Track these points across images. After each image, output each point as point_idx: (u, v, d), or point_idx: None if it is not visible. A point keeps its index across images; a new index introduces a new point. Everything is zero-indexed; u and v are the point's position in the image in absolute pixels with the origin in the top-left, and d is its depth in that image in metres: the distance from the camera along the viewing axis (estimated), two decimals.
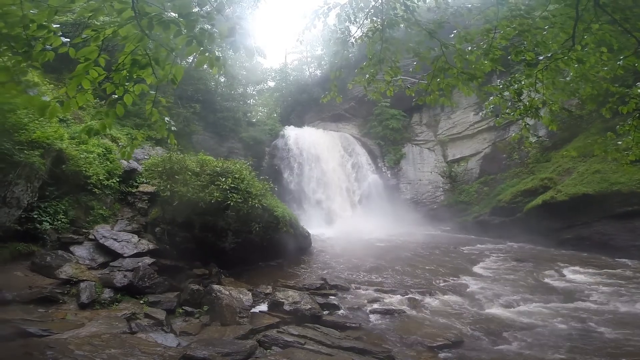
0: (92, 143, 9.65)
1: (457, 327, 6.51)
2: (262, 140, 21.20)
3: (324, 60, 29.54)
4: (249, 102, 26.26)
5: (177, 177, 8.95)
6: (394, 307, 7.44)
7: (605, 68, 5.16)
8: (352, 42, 5.93)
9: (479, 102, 6.15)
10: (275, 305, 6.94)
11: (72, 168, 8.31)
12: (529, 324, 6.59)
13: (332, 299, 7.80)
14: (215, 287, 6.87)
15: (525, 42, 5.17)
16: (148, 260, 7.65)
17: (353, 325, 6.48)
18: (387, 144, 23.04)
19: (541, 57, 4.92)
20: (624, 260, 10.85)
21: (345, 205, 19.96)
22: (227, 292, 6.64)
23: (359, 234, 16.05)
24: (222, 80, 22.48)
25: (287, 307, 6.77)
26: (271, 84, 31.13)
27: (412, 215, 19.86)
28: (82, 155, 8.74)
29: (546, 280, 9.35)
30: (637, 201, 11.57)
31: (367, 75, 5.73)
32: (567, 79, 5.24)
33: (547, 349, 5.51)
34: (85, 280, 6.57)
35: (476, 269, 10.84)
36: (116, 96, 3.27)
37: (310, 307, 6.81)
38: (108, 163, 9.61)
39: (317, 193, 19.98)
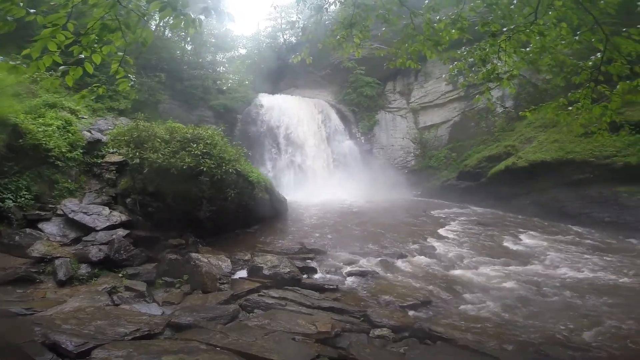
0: (50, 116, 9.23)
1: (425, 287, 6.91)
2: (234, 108, 20.74)
3: (299, 27, 28.60)
4: (219, 69, 25.28)
5: (145, 145, 8.59)
6: (368, 269, 7.79)
7: (563, 42, 5.43)
8: (326, 8, 6.23)
9: (452, 74, 6.34)
10: (254, 271, 7.08)
11: (30, 142, 7.94)
12: (488, 285, 7.08)
13: (310, 263, 8.07)
14: (194, 255, 6.89)
15: (492, 15, 5.45)
16: (122, 232, 7.51)
17: (331, 287, 6.77)
18: (361, 110, 23.20)
19: (505, 29, 5.16)
20: (575, 227, 11.58)
21: (320, 170, 20.08)
22: (206, 260, 6.71)
23: (334, 198, 16.33)
24: (190, 48, 21.64)
25: (266, 272, 6.92)
26: (242, 51, 30.04)
27: (385, 179, 20.38)
28: (39, 129, 8.36)
29: (505, 244, 9.98)
30: (589, 170, 12.32)
31: (338, 37, 5.98)
32: (527, 49, 5.47)
33: (503, 310, 5.93)
34: (60, 257, 6.39)
35: (443, 232, 11.42)
36: (83, 56, 3.24)
37: (289, 270, 6.99)
38: (69, 135, 9.20)
39: (292, 158, 19.89)
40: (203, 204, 9.06)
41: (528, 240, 10.44)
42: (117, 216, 8.00)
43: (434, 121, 21.98)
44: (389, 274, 7.64)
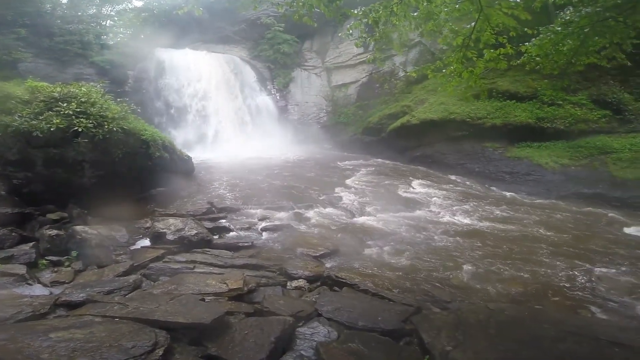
0: None
1: (334, 236, 6.98)
2: (124, 64, 17.70)
3: None
4: (104, 23, 21.23)
5: None
6: (282, 223, 7.55)
7: (446, 9, 5.47)
8: None
9: (362, 37, 6.07)
10: (157, 237, 6.21)
11: None
12: (386, 231, 7.39)
13: (222, 222, 7.44)
14: (79, 228, 5.71)
15: None
16: None
17: (245, 244, 6.35)
18: (278, 67, 21.85)
19: None
20: (453, 176, 12.72)
21: (233, 126, 18.57)
22: (96, 232, 5.60)
23: (248, 154, 15.38)
24: (64, 1, 17.96)
25: (170, 237, 6.10)
26: (138, 3, 25.15)
27: (299, 134, 20.08)
28: None
29: (399, 192, 10.56)
30: (466, 128, 13.49)
31: None
32: (415, 14, 5.44)
33: (397, 254, 6.26)
34: None
35: (349, 182, 11.72)
36: None
37: (196, 232, 6.25)
38: None
39: (199, 115, 17.91)
40: (85, 169, 7.46)
41: (418, 188, 11.19)
42: None
43: (345, 81, 21.85)
44: (302, 226, 7.52)
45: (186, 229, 6.32)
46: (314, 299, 4.61)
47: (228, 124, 18.53)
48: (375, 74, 20.77)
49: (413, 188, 11.18)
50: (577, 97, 12.30)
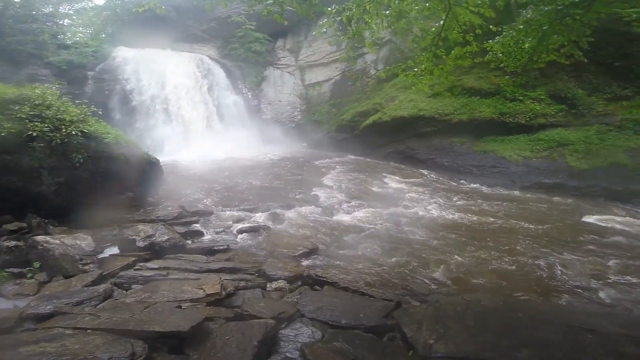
0: None
1: (313, 235, 6.89)
2: (83, 64, 16.81)
3: None
4: (61, 22, 20.11)
5: None
6: (259, 224, 7.33)
7: (417, 7, 5.55)
8: None
9: (336, 35, 6.06)
10: (126, 245, 5.86)
11: None
12: (362, 227, 7.41)
13: (195, 226, 7.14)
14: (40, 238, 5.29)
15: None
16: None
17: (221, 247, 6.10)
18: (249, 66, 21.36)
19: None
20: (424, 170, 13.02)
21: (203, 127, 17.90)
22: (58, 242, 5.16)
23: (220, 155, 14.91)
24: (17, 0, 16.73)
25: (140, 243, 5.78)
26: (99, 1, 23.77)
27: (273, 133, 19.78)
28: None
29: (374, 188, 10.65)
30: (434, 124, 13.84)
31: None
32: (387, 12, 5.48)
33: (374, 250, 6.28)
34: None
35: (325, 180, 11.67)
36: None
37: (168, 237, 5.94)
38: None
39: (166, 116, 17.12)
40: (43, 176, 6.88)
41: (391, 183, 11.36)
42: None
43: (318, 79, 21.77)
44: (279, 226, 7.37)
45: (157, 234, 6.01)
46: (295, 300, 4.51)
47: (197, 124, 17.87)
48: (348, 72, 20.83)
49: (387, 184, 11.31)
50: (536, 92, 12.92)
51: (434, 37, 5.38)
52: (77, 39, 19.78)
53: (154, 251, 5.74)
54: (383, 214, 8.35)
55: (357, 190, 10.44)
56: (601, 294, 4.89)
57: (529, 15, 5.15)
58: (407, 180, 11.78)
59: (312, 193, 9.96)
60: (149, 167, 9.66)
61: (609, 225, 7.76)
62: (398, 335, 3.57)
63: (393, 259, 5.90)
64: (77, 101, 8.37)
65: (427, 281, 5.15)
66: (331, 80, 21.56)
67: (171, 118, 17.39)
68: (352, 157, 16.02)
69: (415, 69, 5.72)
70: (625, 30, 9.75)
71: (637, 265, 5.74)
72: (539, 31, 5.19)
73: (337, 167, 13.86)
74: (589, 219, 8.20)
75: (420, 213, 8.48)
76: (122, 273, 5.02)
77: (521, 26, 5.24)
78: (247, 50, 21.16)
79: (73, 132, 7.17)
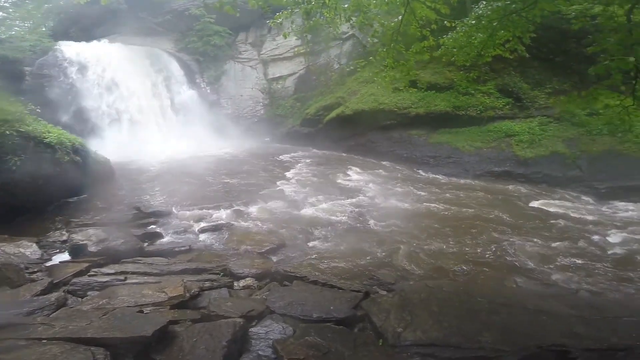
0: None
1: (279, 230, 6.77)
2: (19, 59, 15.19)
3: None
4: None
5: None
6: (222, 222, 7.09)
7: (375, 1, 5.57)
8: None
9: (293, 27, 5.92)
10: (77, 250, 5.49)
11: None
12: (329, 220, 7.41)
13: (153, 228, 6.73)
14: None
15: None
16: None
17: (183, 248, 5.84)
18: (208, 60, 20.41)
19: None
20: (385, 162, 13.24)
21: (157, 124, 16.84)
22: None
23: (177, 153, 14.14)
24: None
25: (93, 248, 5.45)
26: None
27: (234, 129, 19.15)
28: None
29: (338, 180, 10.69)
30: (394, 117, 14.11)
31: None
32: (346, 6, 5.48)
33: (341, 241, 6.31)
34: None
35: (290, 174, 11.53)
36: None
37: (123, 241, 5.65)
38: None
39: (116, 114, 15.94)
40: None
41: (354, 175, 11.44)
42: None
43: (282, 73, 21.31)
44: (244, 223, 7.15)
45: (110, 238, 5.65)
46: (264, 297, 4.41)
47: (151, 121, 16.77)
48: (312, 66, 20.64)
49: (350, 176, 11.42)
50: (486, 86, 13.64)
51: (393, 33, 5.43)
52: (13, 32, 17.69)
53: (109, 256, 5.39)
54: (348, 205, 8.41)
55: (322, 184, 10.43)
56: (550, 276, 5.27)
57: (480, 11, 5.36)
58: (369, 171, 11.97)
59: (277, 188, 9.82)
60: (99, 168, 9.07)
61: (552, 210, 8.42)
62: (368, 326, 3.60)
63: (359, 250, 5.96)
64: (11, 99, 7.53)
65: (392, 270, 5.25)
66: (295, 75, 21.23)
67: (122, 115, 16.19)
68: (317, 150, 15.98)
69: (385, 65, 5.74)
70: (565, 28, 10.48)
71: (579, 247, 6.26)
72: (488, 27, 5.41)
73: (302, 161, 13.76)
74: (535, 204, 8.85)
75: (383, 203, 8.65)
76: (75, 280, 4.67)
77: (473, 21, 5.44)
78: (205, 43, 20.19)
79: (7, 132, 6.50)
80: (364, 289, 4.40)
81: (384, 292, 4.44)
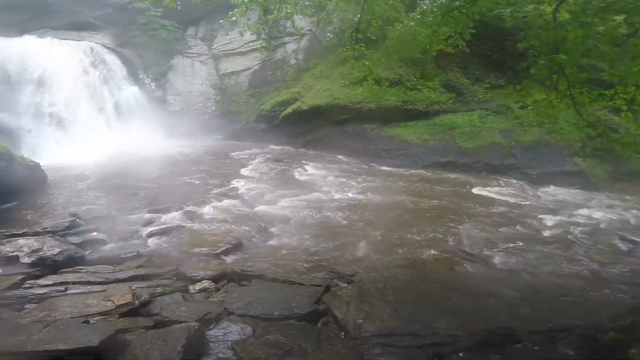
0: None
1: (235, 229, 6.51)
2: None
3: None
4: None
5: None
6: (172, 225, 6.64)
7: None
8: None
9: (257, 24, 5.73)
10: (8, 263, 4.90)
11: None
12: (287, 216, 7.28)
13: (94, 235, 6.15)
14: None
15: None
16: None
17: (129, 254, 5.39)
18: (152, 54, 19.11)
19: None
20: (340, 156, 13.38)
21: (94, 123, 15.42)
22: None
23: (118, 153, 13.04)
24: None
25: (26, 260, 4.90)
26: None
27: (183, 126, 18.06)
28: None
29: (296, 176, 10.59)
30: (348, 112, 14.30)
31: None
32: (307, 3, 5.44)
33: (300, 237, 6.23)
34: None
35: (244, 172, 11.17)
36: None
37: (60, 250, 5.13)
38: None
39: (46, 114, 14.38)
40: None
41: (312, 170, 11.40)
42: None
43: (235, 68, 20.56)
44: (196, 225, 6.77)
45: (45, 248, 5.08)
46: (221, 298, 4.22)
47: (87, 121, 15.28)
48: (267, 61, 20.16)
49: (307, 171, 11.38)
50: (432, 82, 14.33)
51: (352, 31, 5.45)
52: None
53: (46, 266, 4.88)
54: (305, 200, 8.34)
55: (278, 180, 10.26)
56: (495, 260, 5.63)
57: (425, 7, 5.55)
58: (325, 166, 12.02)
59: (232, 186, 9.47)
60: (27, 173, 8.15)
61: (492, 196, 9.10)
62: (331, 319, 3.58)
63: (318, 244, 5.94)
64: None
65: (350, 262, 5.30)
66: (250, 70, 20.60)
67: (54, 115, 14.53)
68: (273, 146, 15.70)
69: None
70: (502, 27, 11.26)
71: (519, 232, 6.79)
72: (433, 23, 5.63)
73: (257, 157, 13.43)
74: (478, 191, 9.50)
75: (339, 196, 8.72)
76: (8, 294, 4.19)
77: (419, 16, 5.63)
78: (150, 37, 18.83)
79: None
80: (325, 283, 4.38)
81: (345, 285, 4.45)
